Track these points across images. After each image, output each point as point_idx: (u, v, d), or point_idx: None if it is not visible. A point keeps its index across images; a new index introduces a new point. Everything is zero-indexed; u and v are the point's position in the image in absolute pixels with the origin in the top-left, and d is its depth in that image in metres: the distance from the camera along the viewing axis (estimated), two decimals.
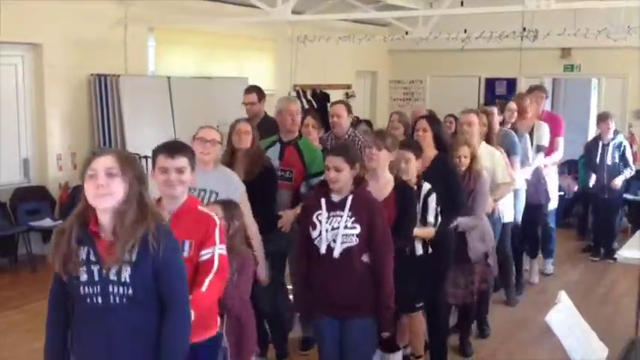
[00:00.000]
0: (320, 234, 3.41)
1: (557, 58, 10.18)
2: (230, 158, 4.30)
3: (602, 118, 7.33)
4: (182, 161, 2.84)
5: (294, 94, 9.31)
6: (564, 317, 3.18)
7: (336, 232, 3.38)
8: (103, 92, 7.03)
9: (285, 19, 7.02)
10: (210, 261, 2.75)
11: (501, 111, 6.00)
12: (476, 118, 5.00)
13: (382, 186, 3.78)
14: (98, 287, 2.27)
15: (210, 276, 2.73)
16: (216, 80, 8.16)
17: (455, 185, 4.31)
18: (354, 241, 3.37)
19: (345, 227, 3.37)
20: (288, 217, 4.45)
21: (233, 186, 3.75)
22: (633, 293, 5.15)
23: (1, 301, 5.69)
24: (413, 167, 4.01)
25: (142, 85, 7.34)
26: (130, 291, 2.26)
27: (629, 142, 9.17)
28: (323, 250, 3.40)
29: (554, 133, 6.47)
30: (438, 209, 4.02)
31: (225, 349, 3.17)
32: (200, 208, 2.91)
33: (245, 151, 4.28)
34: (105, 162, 2.26)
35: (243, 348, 3.32)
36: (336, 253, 3.38)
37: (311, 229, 3.45)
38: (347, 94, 10.01)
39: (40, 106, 6.80)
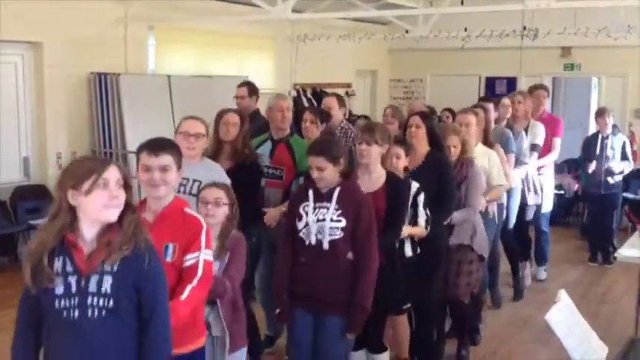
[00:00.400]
0: (306, 225, 3.38)
1: (557, 57, 10.17)
2: (216, 149, 4.24)
3: (599, 113, 7.25)
4: (166, 159, 2.71)
5: (294, 92, 9.33)
6: (564, 316, 3.18)
7: (321, 224, 3.36)
8: (103, 91, 7.03)
9: (286, 17, 7.01)
10: (194, 267, 2.63)
11: (497, 107, 5.93)
12: (474, 118, 4.90)
13: (374, 180, 3.74)
14: (75, 300, 2.15)
15: (193, 283, 2.60)
16: (216, 79, 8.15)
17: (448, 184, 4.23)
18: (339, 234, 3.35)
19: (331, 220, 3.35)
20: (272, 214, 4.38)
21: (220, 179, 3.60)
22: (633, 292, 5.16)
23: (1, 299, 5.69)
24: (401, 164, 3.98)
25: (142, 84, 7.34)
26: (111, 303, 2.15)
27: (629, 140, 9.18)
28: (312, 241, 3.37)
29: (553, 134, 6.42)
30: (427, 210, 3.95)
31: (224, 337, 3.12)
32: (187, 210, 2.76)
33: (232, 142, 4.24)
34: (115, 173, 2.17)
35: (234, 336, 3.21)
36: (326, 246, 3.35)
37: (297, 220, 3.41)
38: (347, 92, 10.02)
39: (40, 105, 6.80)
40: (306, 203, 3.42)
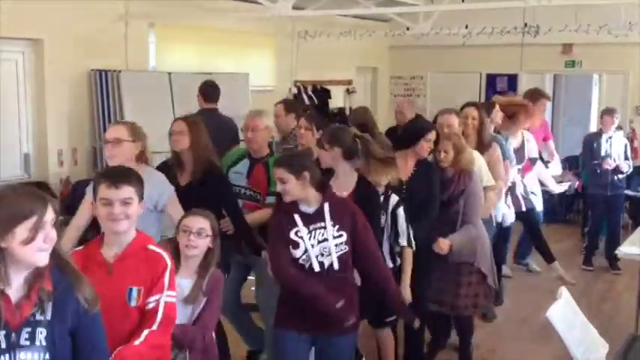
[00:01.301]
0: (306, 251, 3.17)
1: (558, 54, 10.15)
2: (177, 161, 3.98)
3: (608, 112, 7.10)
4: (128, 191, 2.48)
5: (295, 90, 9.32)
6: (565, 313, 3.18)
7: (324, 244, 3.18)
8: (104, 88, 7.02)
9: (286, 14, 7.01)
10: (154, 311, 2.42)
11: (488, 113, 5.80)
12: (456, 119, 4.82)
13: (340, 185, 3.61)
14: (6, 357, 1.91)
15: (152, 327, 2.40)
16: (217, 76, 8.12)
17: (431, 188, 4.18)
18: (344, 248, 3.21)
19: (334, 237, 3.19)
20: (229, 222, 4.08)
21: (158, 189, 3.38)
22: (633, 289, 5.17)
23: None
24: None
25: (143, 81, 7.33)
26: (47, 356, 1.93)
27: (630, 137, 9.18)
28: (316, 267, 3.17)
29: (546, 138, 6.37)
30: (409, 227, 3.90)
31: None
32: (151, 247, 2.53)
33: (187, 152, 3.92)
34: (51, 212, 1.93)
35: None
36: (336, 266, 3.19)
37: (291, 248, 3.18)
38: (348, 89, 10.02)
39: (40, 102, 6.79)
40: (296, 229, 3.19)
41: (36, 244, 1.88)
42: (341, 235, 3.21)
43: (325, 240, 3.19)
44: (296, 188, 3.18)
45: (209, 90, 6.19)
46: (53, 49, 6.69)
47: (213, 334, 3.05)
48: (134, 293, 2.43)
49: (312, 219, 3.21)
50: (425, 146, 4.19)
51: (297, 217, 3.20)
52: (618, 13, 7.86)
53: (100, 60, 7.04)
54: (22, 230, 1.86)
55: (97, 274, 2.21)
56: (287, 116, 5.23)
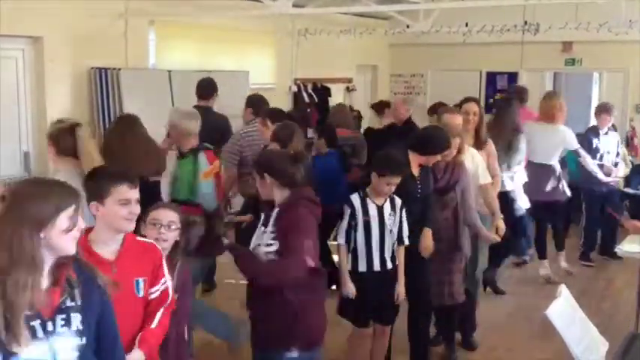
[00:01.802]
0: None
1: (558, 52, 10.16)
2: None
3: (606, 109, 7.10)
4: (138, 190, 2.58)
5: (295, 88, 9.32)
6: (565, 311, 3.18)
7: (258, 249, 3.08)
8: (104, 86, 7.02)
9: (286, 12, 7.00)
10: (165, 293, 2.59)
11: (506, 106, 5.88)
12: (460, 118, 4.81)
13: None
14: (45, 346, 1.90)
15: (162, 310, 2.57)
16: (217, 74, 8.10)
17: (429, 188, 4.26)
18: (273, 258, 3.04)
19: (266, 244, 3.05)
20: None
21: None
22: (633, 287, 5.16)
23: None
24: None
25: (143, 79, 7.34)
26: (84, 340, 1.96)
27: (630, 135, 9.17)
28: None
29: None
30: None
31: None
32: (139, 238, 2.63)
33: None
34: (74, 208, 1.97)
35: None
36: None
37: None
38: (348, 87, 10.03)
39: (40, 100, 6.79)
40: (259, 227, 3.17)
41: (73, 233, 1.94)
42: (271, 245, 3.04)
43: (259, 245, 3.08)
44: (262, 188, 3.17)
45: (202, 87, 6.28)
46: (53, 46, 6.68)
47: (185, 329, 3.05)
48: (141, 284, 2.51)
49: (265, 221, 3.13)
50: (437, 158, 4.23)
51: (262, 215, 3.19)
52: (618, 11, 7.86)
53: (100, 58, 7.03)
54: (63, 219, 1.91)
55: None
56: (245, 110, 5.63)
